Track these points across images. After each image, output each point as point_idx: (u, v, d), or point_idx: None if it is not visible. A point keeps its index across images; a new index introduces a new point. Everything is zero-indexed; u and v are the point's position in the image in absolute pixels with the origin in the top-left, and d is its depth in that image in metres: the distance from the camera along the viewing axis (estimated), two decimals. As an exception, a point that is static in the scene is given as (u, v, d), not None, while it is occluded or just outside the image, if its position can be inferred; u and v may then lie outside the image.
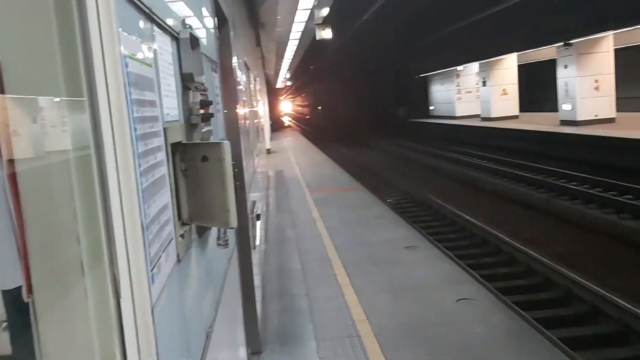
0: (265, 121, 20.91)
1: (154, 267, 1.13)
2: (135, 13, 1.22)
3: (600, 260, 8.34)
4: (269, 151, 21.13)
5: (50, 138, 0.95)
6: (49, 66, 0.92)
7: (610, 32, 17.91)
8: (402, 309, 5.01)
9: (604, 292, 6.44)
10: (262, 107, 18.06)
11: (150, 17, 1.35)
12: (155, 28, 1.42)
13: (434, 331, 4.54)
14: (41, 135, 0.95)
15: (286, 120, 73.19)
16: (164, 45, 1.51)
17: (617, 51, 19.14)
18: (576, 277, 7.02)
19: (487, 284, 6.86)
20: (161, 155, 1.33)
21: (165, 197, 1.34)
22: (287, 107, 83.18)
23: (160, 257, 1.20)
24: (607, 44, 18.71)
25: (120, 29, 1.04)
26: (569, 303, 6.77)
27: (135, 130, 1.08)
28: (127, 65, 1.07)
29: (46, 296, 0.97)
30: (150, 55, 1.32)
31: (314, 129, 50.54)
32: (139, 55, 1.19)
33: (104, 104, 0.93)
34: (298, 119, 78.20)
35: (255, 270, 4.88)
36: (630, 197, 10.97)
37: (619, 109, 19.41)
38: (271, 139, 26.11)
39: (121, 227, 0.95)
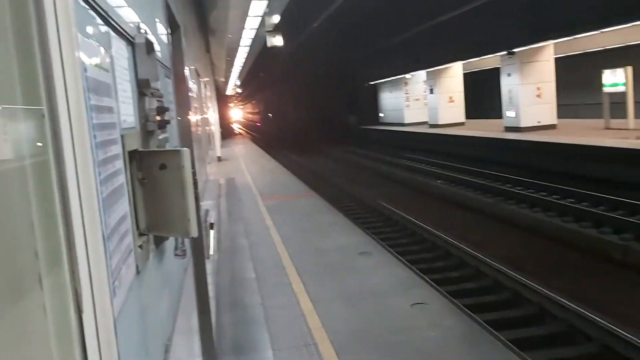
0: (215, 128, 20.68)
1: (115, 280, 1.08)
2: (93, 16, 1.18)
3: (546, 263, 8.63)
4: (219, 159, 20.89)
5: (5, 147, 0.91)
6: (5, 72, 0.87)
7: (551, 42, 18.66)
8: (358, 315, 5.03)
9: (550, 293, 6.66)
10: (212, 115, 17.86)
11: (107, 21, 1.31)
12: (112, 32, 1.38)
13: (390, 336, 4.58)
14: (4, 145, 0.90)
15: (237, 128, 72.64)
16: (120, 50, 1.46)
17: (557, 60, 19.96)
18: (523, 279, 7.23)
19: (439, 288, 6.98)
20: (119, 164, 1.29)
21: (124, 206, 1.30)
22: (238, 114, 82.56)
23: (121, 269, 1.16)
24: (548, 53, 19.48)
25: (79, 33, 1.00)
26: (517, 305, 6.96)
27: (95, 137, 1.04)
28: (86, 70, 1.03)
29: (2, 313, 0.91)
30: (108, 60, 1.28)
31: (265, 136, 50.37)
32: (97, 60, 1.15)
33: (64, 110, 0.89)
34: (249, 126, 77.75)
35: (210, 280, 4.79)
36: (573, 200, 11.43)
37: (560, 115, 20.22)
38: (222, 146, 25.84)
39: (82, 238, 0.91)
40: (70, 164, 0.90)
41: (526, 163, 16.28)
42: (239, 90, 52.91)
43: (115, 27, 1.42)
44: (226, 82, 33.38)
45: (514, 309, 6.86)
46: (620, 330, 5.44)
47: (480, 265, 8.17)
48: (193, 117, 4.69)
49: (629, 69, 16.25)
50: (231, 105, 75.54)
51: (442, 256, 9.16)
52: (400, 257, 8.13)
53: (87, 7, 1.13)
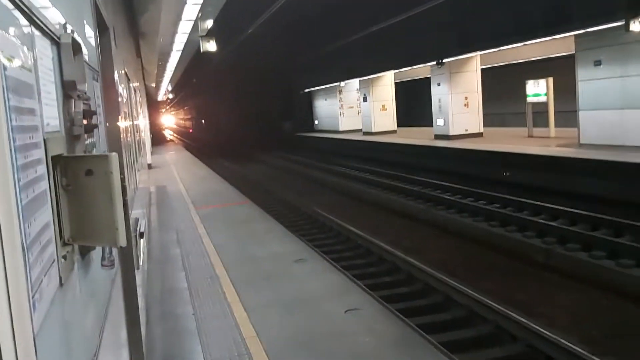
0: (146, 134, 20.13)
1: (35, 293, 1.01)
2: (14, 11, 1.11)
3: (474, 266, 8.92)
4: (150, 166, 20.33)
5: None
6: None
7: (478, 53, 19.43)
8: (293, 322, 5.01)
9: (478, 296, 6.88)
10: (142, 120, 17.38)
11: (30, 18, 1.23)
12: (35, 30, 1.30)
13: (325, 343, 4.58)
14: None
15: (168, 134, 71.03)
16: (43, 49, 1.38)
17: (484, 70, 20.81)
18: (454, 282, 7.44)
19: (373, 294, 7.06)
20: (42, 169, 1.21)
21: (46, 215, 1.22)
22: (170, 120, 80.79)
23: (42, 281, 1.09)
24: (475, 63, 20.26)
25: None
26: (448, 308, 7.14)
27: (15, 140, 0.97)
28: (5, 68, 0.96)
29: None
30: (30, 59, 1.20)
31: (198, 143, 49.53)
32: (18, 58, 1.08)
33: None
34: (181, 132, 76.24)
35: (139, 291, 4.63)
36: (498, 205, 11.90)
37: (486, 124, 21.06)
38: (153, 153, 25.18)
39: (-1, 249, 0.85)
40: (-14, 169, 0.83)
41: (455, 170, 16.82)
42: (171, 96, 51.81)
43: (39, 25, 1.34)
44: (157, 88, 32.60)
45: (445, 312, 7.04)
46: (544, 331, 5.68)
47: (412, 270, 8.34)
48: (122, 122, 4.53)
49: (550, 80, 17.17)
50: (163, 111, 73.86)
51: (375, 262, 9.28)
52: (334, 264, 8.18)
53: (7, 2, 1.06)
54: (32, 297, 0.99)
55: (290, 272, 6.53)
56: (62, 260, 1.36)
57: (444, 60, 19.55)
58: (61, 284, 1.31)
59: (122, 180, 1.52)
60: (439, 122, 20.85)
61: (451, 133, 20.07)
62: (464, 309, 6.89)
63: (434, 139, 20.80)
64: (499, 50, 18.63)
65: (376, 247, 9.70)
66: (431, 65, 20.68)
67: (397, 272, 8.62)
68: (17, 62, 1.06)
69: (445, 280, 7.56)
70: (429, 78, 21.60)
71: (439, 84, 20.71)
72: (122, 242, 1.50)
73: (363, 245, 10.10)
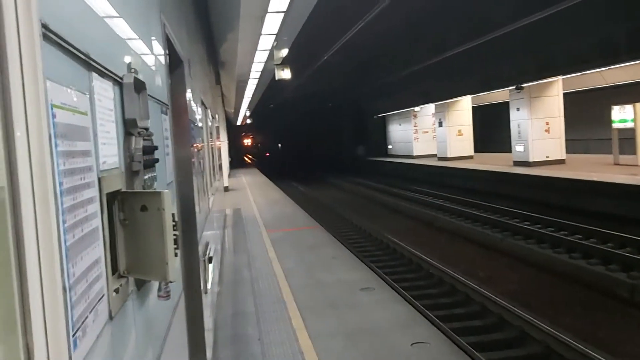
0: (224, 158, 20.78)
1: (77, 331, 1.05)
2: (69, 60, 1.17)
3: (553, 300, 8.48)
4: (226, 189, 20.93)
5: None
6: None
7: (559, 77, 18.73)
8: (357, 353, 4.93)
9: (556, 332, 6.52)
10: (220, 145, 17.97)
11: (88, 64, 1.30)
12: (94, 74, 1.37)
13: (389, 377, 4.47)
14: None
15: (246, 158, 73.01)
16: (103, 91, 1.46)
17: (566, 95, 20.00)
18: (529, 317, 7.10)
19: (443, 325, 6.87)
20: (93, 208, 1.26)
21: (97, 251, 1.27)
22: (247, 144, 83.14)
23: (86, 317, 1.12)
24: (557, 88, 19.53)
25: (48, 79, 0.99)
26: (523, 343, 6.81)
27: (61, 184, 1.02)
28: (54, 116, 1.01)
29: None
30: (86, 103, 1.27)
31: (273, 166, 50.53)
32: (72, 104, 1.14)
33: (24, 160, 0.87)
34: (257, 156, 78.16)
35: (208, 313, 4.73)
36: (580, 237, 11.28)
37: (569, 150, 20.15)
38: (230, 176, 25.92)
39: (38, 291, 0.88)
40: (29, 215, 0.87)
41: (534, 198, 16.17)
42: (249, 121, 53.34)
43: (99, 68, 1.41)
44: (236, 113, 33.66)
45: (519, 347, 6.72)
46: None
47: (486, 302, 8.04)
48: (195, 150, 4.70)
49: (638, 105, 16.24)
50: (241, 135, 76.13)
51: (447, 292, 9.04)
52: (404, 293, 8.03)
53: (62, 52, 1.12)
54: (74, 335, 1.02)
55: (357, 301, 6.46)
56: (114, 293, 1.40)
57: (523, 85, 18.97)
58: (111, 318, 1.35)
59: (174, 216, 1.56)
60: (518, 148, 20.17)
61: (531, 159, 19.35)
62: (540, 345, 6.56)
63: (512, 165, 20.13)
64: (583, 74, 17.88)
65: (448, 276, 9.45)
66: (510, 90, 20.12)
67: (469, 303, 8.35)
68: (69, 108, 1.11)
69: (520, 314, 7.24)
70: (507, 102, 21.01)
71: (518, 109, 20.09)
72: (172, 277, 1.53)
73: (435, 275, 9.87)
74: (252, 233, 11.71)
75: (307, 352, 4.96)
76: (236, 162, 45.47)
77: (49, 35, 1.03)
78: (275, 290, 7.09)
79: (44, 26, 0.99)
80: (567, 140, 19.96)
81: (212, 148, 10.02)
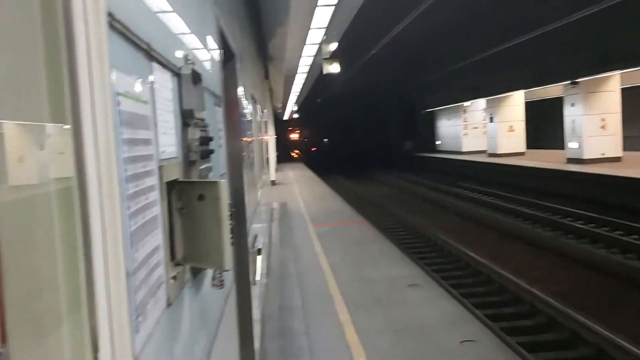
0: (271, 153, 20.97)
1: (139, 315, 1.07)
2: (133, 50, 1.19)
3: (606, 301, 8.19)
4: (273, 183, 21.12)
5: (33, 178, 0.91)
6: (34, 107, 0.88)
7: (617, 72, 18.01)
8: (404, 350, 4.88)
9: (609, 334, 6.30)
10: (268, 139, 18.13)
11: (149, 54, 1.32)
12: (155, 64, 1.39)
13: (437, 374, 4.42)
14: (22, 170, 0.91)
15: (292, 152, 73.43)
16: (163, 81, 1.48)
17: (623, 90, 19.22)
18: (582, 318, 6.88)
19: (492, 324, 6.73)
20: (154, 195, 1.28)
21: (157, 238, 1.29)
22: (293, 139, 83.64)
23: (147, 303, 1.14)
24: (614, 83, 18.79)
25: (114, 68, 1.00)
26: (574, 345, 6.61)
27: (126, 171, 1.03)
28: (119, 104, 1.03)
29: (21, 347, 0.91)
30: (148, 92, 1.29)
31: (319, 161, 50.64)
32: (134, 93, 1.16)
33: (90, 147, 0.89)
34: (304, 150, 78.51)
35: (255, 304, 4.78)
36: (637, 237, 10.85)
37: (626, 148, 19.38)
38: (276, 170, 26.15)
39: (103, 274, 0.90)
40: (95, 200, 0.89)
41: (588, 196, 15.63)
42: (296, 116, 53.64)
43: (159, 59, 1.43)
44: (283, 108, 33.92)
45: (571, 349, 6.52)
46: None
47: (536, 302, 7.84)
48: (245, 143, 4.75)
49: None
50: (287, 130, 76.61)
51: (496, 291, 8.85)
52: (452, 290, 7.91)
53: (126, 41, 1.14)
54: (136, 319, 1.04)
55: (404, 297, 6.40)
56: (172, 280, 1.42)
57: (578, 80, 18.33)
58: (169, 304, 1.37)
59: (232, 205, 1.57)
60: (571, 144, 19.54)
61: (585, 157, 18.72)
62: (592, 348, 6.35)
63: (565, 162, 19.52)
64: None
65: (497, 275, 9.25)
66: (564, 85, 19.49)
67: (519, 303, 8.15)
68: (133, 97, 1.13)
69: (572, 315, 7.02)
70: (561, 98, 20.36)
71: (572, 105, 19.44)
72: (227, 266, 1.55)
73: (483, 273, 9.68)
74: (298, 227, 11.78)
75: (354, 347, 4.95)
76: (282, 157, 45.83)
77: (115, 25, 1.04)
78: (322, 284, 7.11)
79: (110, 15, 1.01)
80: (624, 137, 19.19)
81: (260, 142, 10.12)
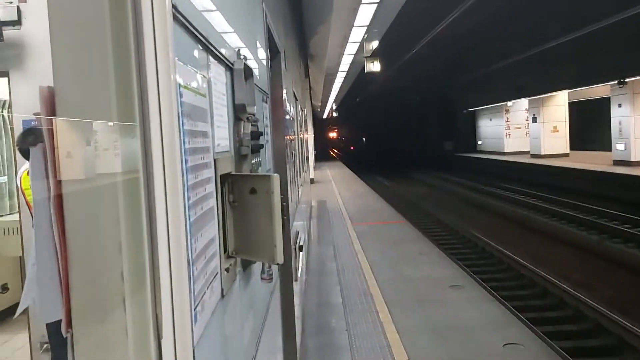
0: (310, 151, 21.02)
1: (197, 305, 1.08)
2: (192, 42, 1.20)
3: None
4: (312, 181, 21.17)
5: (99, 165, 0.93)
6: (103, 93, 0.90)
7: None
8: (446, 351, 4.82)
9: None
10: (308, 138, 18.18)
11: (206, 47, 1.34)
12: (211, 58, 1.40)
13: (479, 377, 4.34)
14: (91, 161, 0.93)
15: (331, 151, 73.45)
16: (218, 75, 1.49)
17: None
18: (628, 324, 6.67)
19: (535, 328, 6.58)
20: (210, 187, 1.29)
21: (212, 230, 1.30)
22: (332, 137, 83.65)
23: (204, 293, 1.15)
24: (664, 83, 18.14)
25: (176, 58, 1.01)
26: (620, 351, 6.41)
27: (186, 162, 1.04)
28: (181, 95, 1.04)
29: (85, 332, 0.93)
30: (205, 85, 1.30)
31: (357, 159, 50.52)
32: (194, 85, 1.17)
33: (156, 135, 0.90)
34: (342, 149, 78.46)
35: (297, 301, 4.80)
36: (687, 243, 10.44)
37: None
38: (316, 168, 26.20)
39: (167, 263, 0.91)
40: (160, 188, 0.90)
41: (635, 200, 15.10)
42: (335, 114, 53.65)
43: (215, 53, 1.44)
44: (323, 106, 33.96)
45: (617, 355, 6.33)
46: None
47: (581, 307, 7.64)
48: (288, 141, 4.76)
49: None
50: (326, 128, 76.69)
51: (539, 294, 8.66)
52: (494, 292, 7.77)
53: (187, 33, 1.15)
54: (195, 309, 1.05)
55: (445, 298, 6.32)
56: (225, 272, 1.44)
57: (626, 80, 17.73)
58: (222, 296, 1.38)
59: (283, 199, 1.58)
60: (618, 146, 18.93)
61: (633, 159, 18.10)
62: (638, 354, 6.14)
63: (612, 164, 18.92)
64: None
65: (541, 278, 9.05)
66: (611, 85, 18.89)
67: (563, 307, 7.96)
68: (192, 89, 1.14)
69: (618, 321, 6.81)
70: (608, 98, 19.73)
71: (619, 105, 18.83)
72: (280, 259, 1.55)
73: (526, 276, 9.49)
74: (337, 225, 11.77)
75: (395, 345, 4.92)
76: (321, 156, 45.90)
77: (177, 16, 1.05)
78: (362, 282, 7.09)
79: (174, 7, 1.02)
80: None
81: (301, 140, 10.15)
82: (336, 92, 25.41)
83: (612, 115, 19.36)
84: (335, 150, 76.99)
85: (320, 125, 60.26)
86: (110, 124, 0.92)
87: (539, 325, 6.92)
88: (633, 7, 13.56)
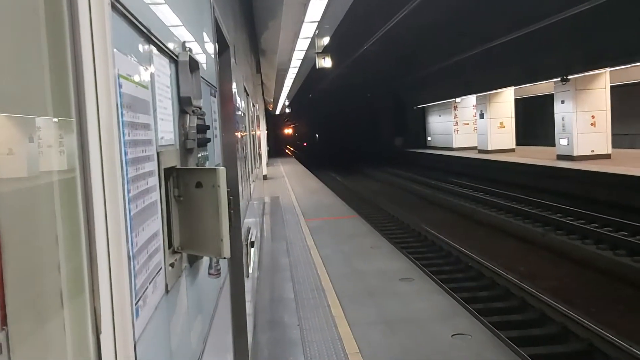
0: (262, 147, 20.92)
1: (139, 300, 1.06)
2: (133, 33, 1.18)
3: (596, 297, 8.26)
4: (265, 177, 21.08)
5: (34, 159, 0.90)
6: (37, 84, 0.87)
7: (607, 70, 18.12)
8: (396, 342, 4.90)
9: (599, 329, 6.36)
10: (260, 134, 18.08)
11: (149, 39, 1.31)
12: (154, 50, 1.38)
13: (429, 367, 4.44)
14: (24, 156, 0.90)
15: (283, 147, 73.34)
16: (162, 67, 1.47)
17: (613, 88, 19.34)
18: (572, 313, 6.94)
19: (482, 319, 6.77)
20: (153, 181, 1.27)
21: (155, 224, 1.28)
22: (285, 133, 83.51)
23: (147, 288, 1.14)
24: (604, 80, 18.91)
25: (115, 49, 0.99)
26: (565, 339, 6.67)
27: (126, 154, 1.02)
28: (120, 86, 1.02)
29: (22, 329, 0.90)
30: (147, 77, 1.28)
31: (310, 156, 50.66)
32: (135, 77, 1.15)
33: (93, 125, 0.88)
34: (295, 145, 78.47)
35: (248, 297, 4.78)
36: (626, 233, 10.94)
37: (615, 145, 19.53)
38: (268, 165, 26.10)
39: (105, 257, 0.89)
40: (97, 181, 0.88)
41: (578, 193, 15.74)
42: (287, 110, 53.61)
43: (159, 45, 1.42)
44: (275, 102, 33.84)
45: (562, 344, 6.58)
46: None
47: (526, 297, 7.90)
48: (238, 136, 4.73)
49: (691, 98, 15.59)
50: (279, 124, 76.47)
51: (487, 285, 8.91)
52: (443, 285, 7.95)
53: (128, 24, 1.13)
54: (136, 304, 1.03)
55: (396, 290, 6.42)
56: (170, 267, 1.42)
57: (569, 77, 18.43)
58: (167, 291, 1.36)
59: (229, 193, 1.57)
60: (562, 141, 19.65)
61: (575, 154, 18.84)
62: (582, 342, 6.41)
63: (555, 159, 19.64)
64: (631, 67, 17.24)
65: (488, 270, 9.31)
66: (554, 82, 19.58)
67: (509, 298, 8.21)
68: (133, 80, 1.12)
69: (562, 310, 7.08)
70: (552, 95, 20.46)
71: (563, 102, 19.54)
72: (226, 253, 1.54)
73: (474, 268, 9.74)
74: (290, 221, 11.78)
75: (346, 339, 4.97)
76: (274, 152, 45.75)
77: (117, 6, 1.03)
78: (314, 277, 7.12)
79: (112, -4, 1.00)
80: (613, 134, 19.34)
81: (253, 136, 10.08)
82: (288, 88, 25.37)
83: (555, 112, 20.05)
84: (289, 146, 76.86)
85: (274, 122, 60.02)
86: (46, 116, 0.89)
87: (487, 316, 7.13)
88: (574, 7, 14.08)
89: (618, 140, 20.75)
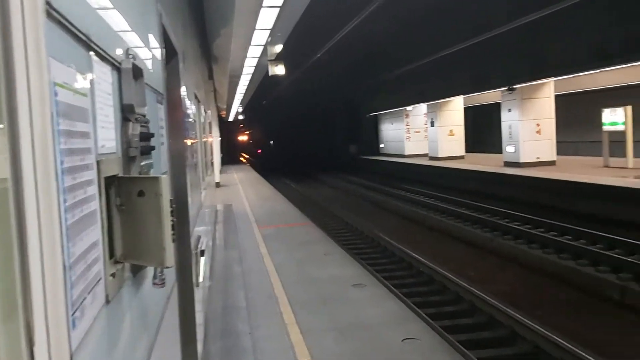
0: (215, 154, 20.71)
1: (76, 311, 1.04)
2: (71, 40, 1.17)
3: (543, 300, 8.53)
4: (218, 184, 20.87)
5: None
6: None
7: (551, 79, 18.83)
8: (348, 348, 4.94)
9: (545, 332, 6.56)
10: (212, 140, 17.90)
11: (88, 46, 1.30)
12: (94, 57, 1.36)
13: (379, 372, 4.48)
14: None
15: (237, 154, 72.75)
16: (103, 74, 1.45)
17: (557, 97, 20.10)
18: (519, 316, 7.14)
19: (433, 323, 6.89)
20: (92, 190, 1.26)
21: (95, 234, 1.26)
22: (239, 140, 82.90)
23: (84, 298, 1.12)
24: (548, 90, 19.62)
25: (51, 57, 0.98)
26: (513, 342, 6.85)
27: (62, 163, 1.01)
28: (56, 94, 1.01)
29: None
30: (86, 84, 1.26)
31: (265, 163, 50.47)
32: (73, 84, 1.13)
33: (26, 134, 0.87)
34: (250, 152, 78.01)
35: (199, 307, 4.72)
36: (570, 237, 11.36)
37: (559, 152, 20.27)
38: (221, 172, 25.85)
39: (39, 268, 0.88)
40: (30, 191, 0.87)
41: (525, 198, 16.25)
42: (241, 117, 53.26)
43: (99, 52, 1.40)
44: (228, 109, 33.59)
45: (510, 346, 6.75)
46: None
47: (476, 301, 8.08)
48: (188, 143, 4.68)
49: (629, 108, 16.36)
50: (233, 131, 75.86)
51: (437, 290, 9.07)
52: (395, 290, 8.05)
53: (64, 31, 1.11)
54: (72, 315, 1.02)
55: (348, 297, 6.47)
56: (111, 278, 1.40)
57: (515, 86, 19.06)
58: (107, 302, 1.34)
59: (172, 202, 1.56)
60: (509, 149, 20.27)
61: (522, 160, 19.45)
62: (529, 345, 6.60)
63: (503, 166, 20.23)
64: (574, 77, 17.97)
65: (439, 275, 9.48)
66: (502, 91, 20.21)
67: (459, 302, 8.38)
68: (70, 88, 1.11)
69: (510, 314, 7.27)
70: (499, 103, 21.10)
71: (509, 110, 20.17)
72: (169, 262, 1.53)
73: (425, 273, 9.90)
74: (243, 229, 11.70)
75: (298, 346, 4.97)
76: (228, 159, 45.34)
77: (52, 13, 1.02)
78: (267, 285, 7.09)
79: (47, 3, 0.99)
80: (557, 142, 20.08)
81: (204, 143, 9.98)
82: (242, 95, 25.23)
83: (502, 120, 20.66)
84: (243, 153, 76.33)
85: (227, 128, 59.48)
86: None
87: (437, 320, 7.25)
88: (522, 17, 14.59)
89: (563, 147, 21.56)
